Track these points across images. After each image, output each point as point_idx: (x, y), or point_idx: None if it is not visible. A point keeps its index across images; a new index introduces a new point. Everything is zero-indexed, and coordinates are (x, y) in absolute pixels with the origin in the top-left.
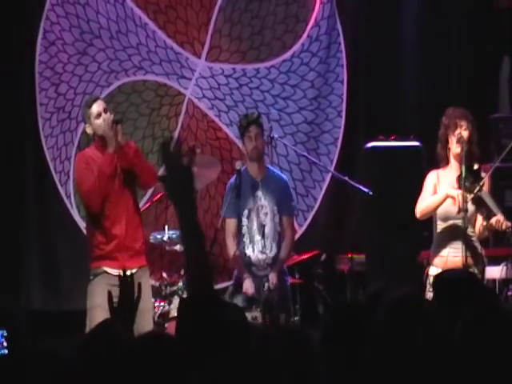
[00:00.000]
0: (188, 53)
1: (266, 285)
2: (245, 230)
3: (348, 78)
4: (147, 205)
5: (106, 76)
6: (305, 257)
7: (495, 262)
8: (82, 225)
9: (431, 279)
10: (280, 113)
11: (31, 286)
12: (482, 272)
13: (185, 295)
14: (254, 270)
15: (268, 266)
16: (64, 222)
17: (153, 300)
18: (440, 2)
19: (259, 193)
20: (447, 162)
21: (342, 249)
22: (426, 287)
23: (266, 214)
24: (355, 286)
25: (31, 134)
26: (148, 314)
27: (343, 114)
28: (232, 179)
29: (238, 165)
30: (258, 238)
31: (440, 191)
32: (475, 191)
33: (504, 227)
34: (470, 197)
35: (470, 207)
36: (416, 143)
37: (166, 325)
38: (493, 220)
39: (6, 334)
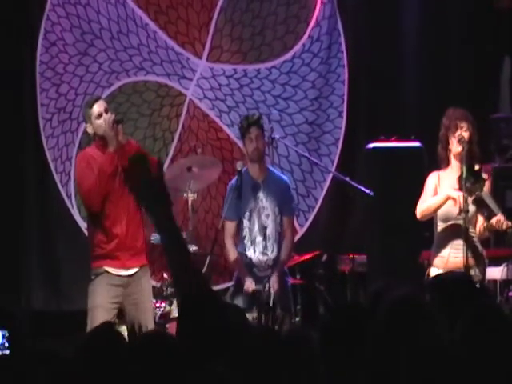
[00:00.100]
0: (189, 53)
1: (267, 286)
2: (246, 231)
3: (349, 78)
4: None
5: (106, 76)
6: (306, 257)
7: (496, 262)
8: (83, 225)
9: None
10: (281, 113)
11: (31, 286)
12: (483, 273)
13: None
14: (255, 271)
15: (269, 267)
16: (64, 222)
17: (154, 301)
18: (440, 2)
19: (261, 194)
20: (448, 163)
21: (342, 249)
22: None
23: (268, 215)
24: (356, 287)
25: (32, 134)
26: (149, 313)
27: (344, 115)
28: (233, 180)
29: (238, 165)
30: (259, 239)
31: (441, 193)
32: (476, 192)
33: (504, 227)
34: (470, 198)
35: (471, 208)
36: (417, 144)
37: (167, 325)
38: (493, 220)
39: (7, 335)
